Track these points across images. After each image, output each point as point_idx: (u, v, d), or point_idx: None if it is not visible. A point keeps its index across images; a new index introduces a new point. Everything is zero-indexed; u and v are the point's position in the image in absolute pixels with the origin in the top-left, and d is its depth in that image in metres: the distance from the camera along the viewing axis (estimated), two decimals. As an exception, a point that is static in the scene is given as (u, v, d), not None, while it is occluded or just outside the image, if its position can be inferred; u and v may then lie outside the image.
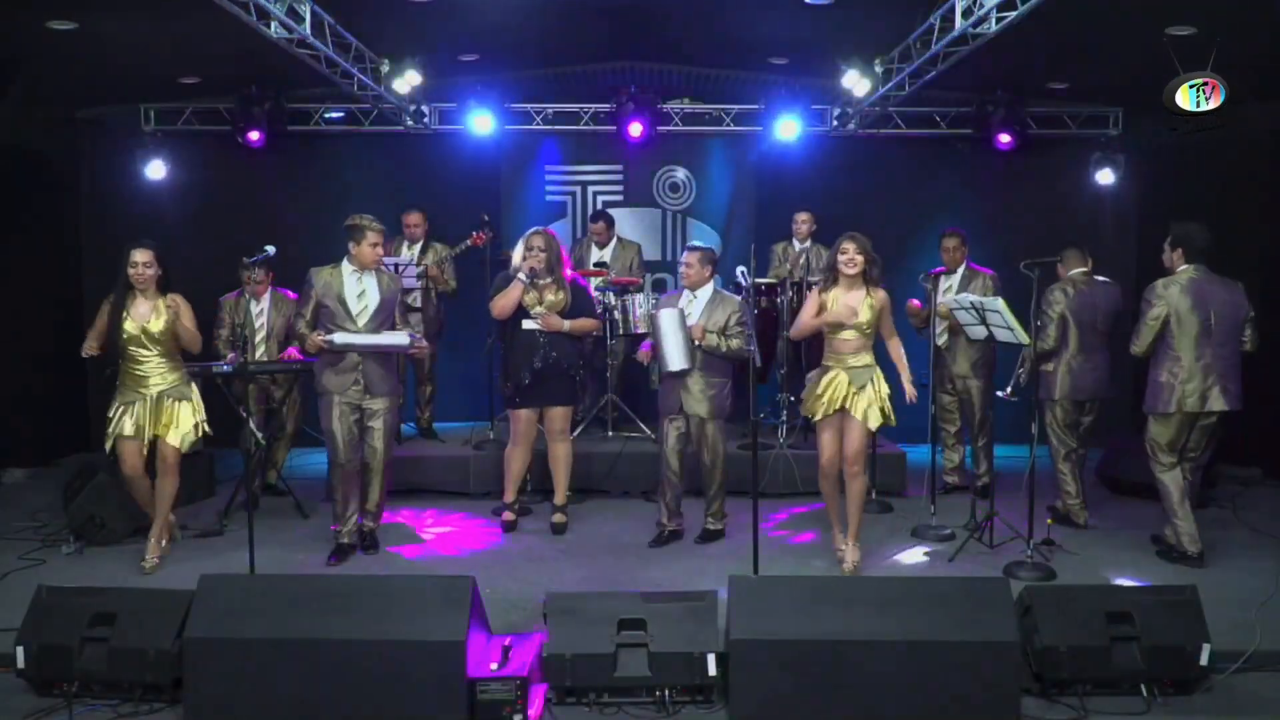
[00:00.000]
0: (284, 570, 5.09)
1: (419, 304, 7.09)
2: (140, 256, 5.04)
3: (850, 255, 4.94)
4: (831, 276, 5.03)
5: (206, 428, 5.30)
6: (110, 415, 5.17)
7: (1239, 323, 5.16)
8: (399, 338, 5.28)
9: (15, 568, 5.19)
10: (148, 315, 5.09)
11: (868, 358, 5.00)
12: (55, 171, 8.11)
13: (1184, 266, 5.17)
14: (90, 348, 5.14)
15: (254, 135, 7.74)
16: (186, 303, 5.21)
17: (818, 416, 5.05)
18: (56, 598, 3.99)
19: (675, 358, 5.29)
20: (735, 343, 5.31)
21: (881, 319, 5.00)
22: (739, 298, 5.47)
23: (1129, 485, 6.56)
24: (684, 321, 5.33)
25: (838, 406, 4.96)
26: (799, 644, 3.68)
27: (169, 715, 3.77)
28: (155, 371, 5.14)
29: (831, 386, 4.98)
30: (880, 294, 5.00)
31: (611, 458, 6.72)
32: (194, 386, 5.30)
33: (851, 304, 4.96)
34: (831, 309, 4.98)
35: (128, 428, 5.11)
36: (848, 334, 4.97)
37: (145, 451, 5.20)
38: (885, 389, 4.98)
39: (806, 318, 5.09)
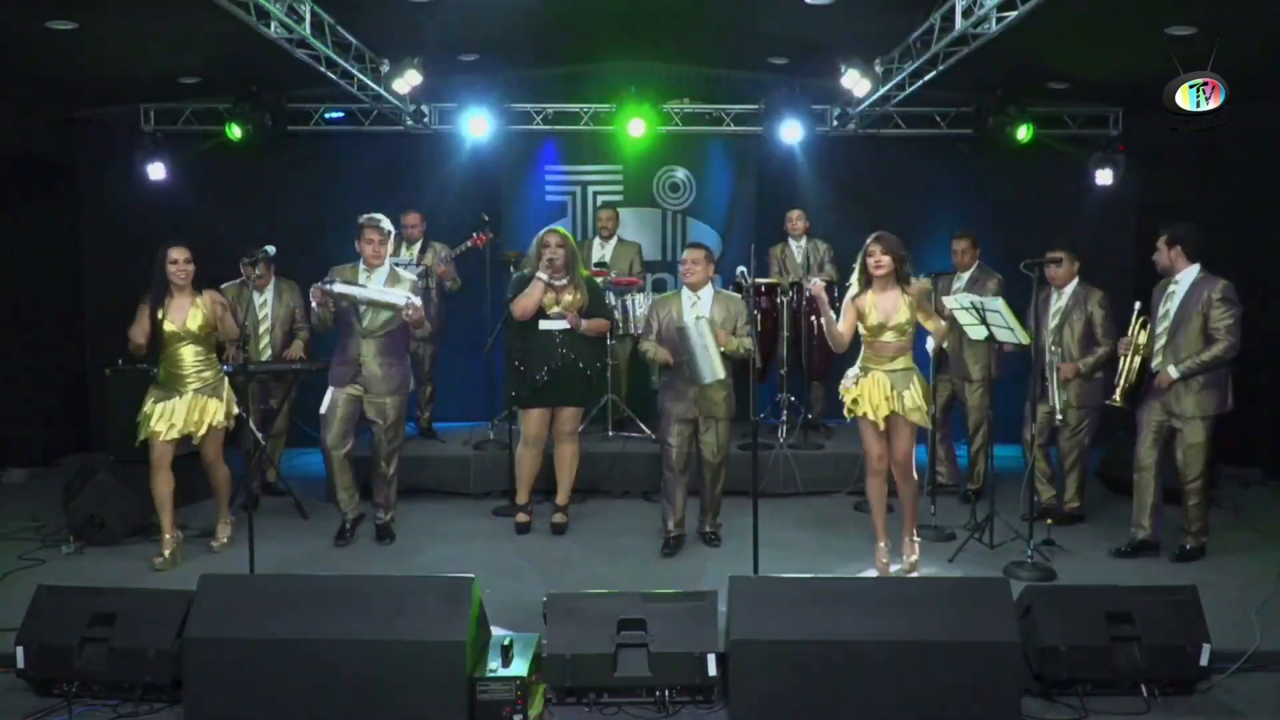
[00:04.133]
0: (284, 570, 5.09)
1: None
2: (179, 254, 5.18)
3: (877, 258, 4.88)
4: (865, 280, 4.97)
5: (231, 420, 5.41)
6: (146, 410, 5.23)
7: None
8: (396, 295, 5.35)
9: (15, 568, 5.19)
10: (186, 313, 5.19)
11: (908, 360, 4.95)
12: (55, 172, 8.11)
13: (1193, 266, 5.17)
14: (137, 346, 5.19)
15: (235, 131, 7.63)
16: (222, 298, 5.38)
17: (860, 412, 4.95)
18: (56, 598, 3.99)
19: (710, 369, 5.13)
20: (748, 342, 5.27)
21: (921, 310, 4.92)
22: (738, 296, 5.46)
23: (1129, 485, 6.56)
24: (713, 330, 5.21)
25: (885, 410, 4.89)
26: (799, 644, 3.68)
27: (169, 715, 3.77)
28: (193, 369, 5.25)
29: (873, 388, 4.91)
30: (915, 287, 4.93)
31: (611, 458, 6.72)
32: (226, 381, 5.41)
33: (887, 306, 4.90)
34: (870, 314, 4.91)
35: (163, 427, 5.19)
36: (888, 336, 4.91)
37: (176, 447, 5.31)
38: (925, 389, 4.97)
39: (845, 327, 4.98)
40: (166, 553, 5.24)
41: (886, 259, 4.88)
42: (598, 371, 5.87)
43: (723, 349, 5.22)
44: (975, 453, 6.56)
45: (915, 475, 5.08)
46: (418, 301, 5.40)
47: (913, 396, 4.90)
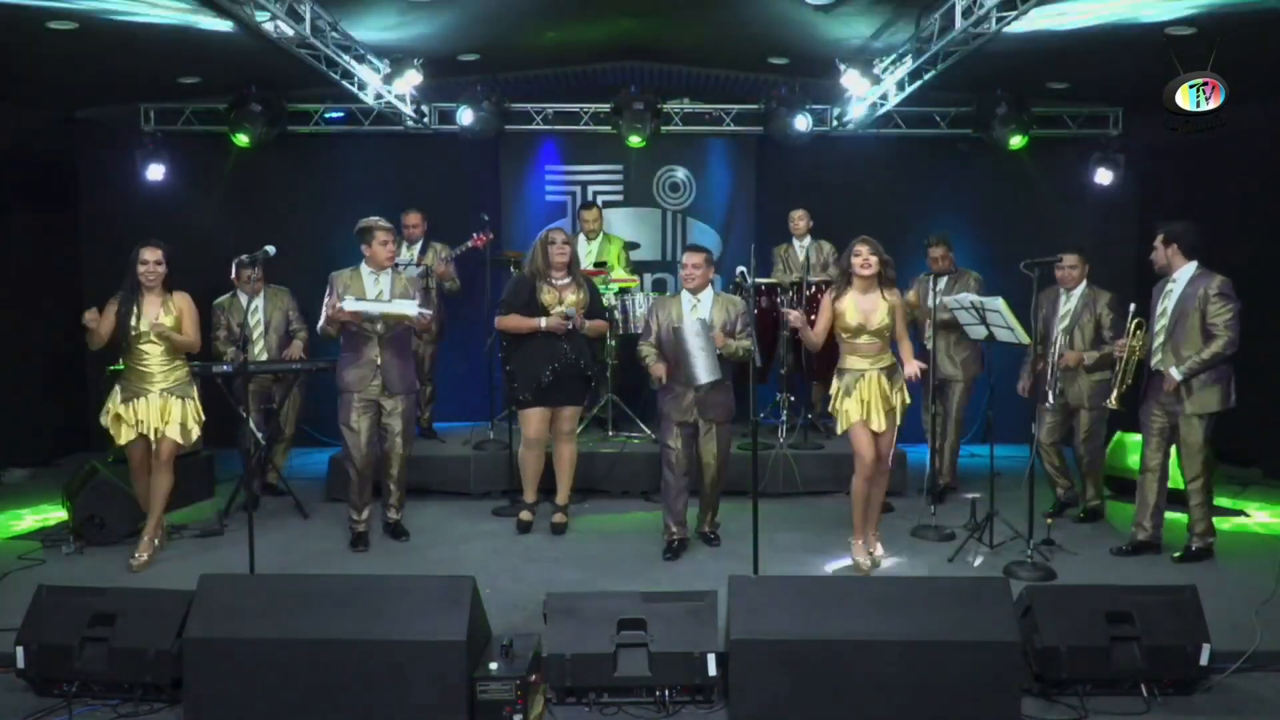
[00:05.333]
0: (284, 570, 5.09)
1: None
2: (150, 255, 5.15)
3: (864, 258, 4.94)
4: (845, 280, 5.03)
5: (198, 430, 5.35)
6: (109, 405, 5.21)
7: None
8: (408, 306, 5.35)
9: (15, 568, 5.19)
10: (156, 313, 5.17)
11: (889, 358, 5.03)
12: (55, 171, 8.11)
13: (1190, 263, 5.17)
14: (99, 342, 5.13)
15: (243, 138, 7.68)
16: (192, 305, 5.31)
17: (855, 419, 4.99)
18: (56, 598, 3.99)
19: (705, 370, 5.13)
20: (747, 343, 5.26)
21: (896, 320, 5.00)
22: (739, 298, 5.46)
23: (1129, 485, 6.56)
24: (708, 331, 5.22)
25: (884, 407, 4.97)
26: (799, 644, 3.68)
27: (169, 715, 3.77)
28: (160, 369, 5.21)
29: (870, 390, 4.97)
30: (895, 295, 5.02)
31: (611, 458, 6.72)
32: (195, 386, 5.37)
33: (867, 308, 4.97)
34: (849, 314, 4.97)
35: (130, 427, 5.18)
36: (865, 338, 4.97)
37: (152, 448, 5.28)
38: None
39: (821, 326, 5.10)
40: (145, 555, 5.23)
41: (875, 259, 4.94)
42: (598, 372, 5.88)
43: (720, 351, 5.22)
44: (946, 449, 6.58)
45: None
46: (428, 311, 5.43)
47: (903, 395, 5.03)
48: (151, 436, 5.22)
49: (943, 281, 6.48)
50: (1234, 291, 5.08)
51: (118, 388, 5.25)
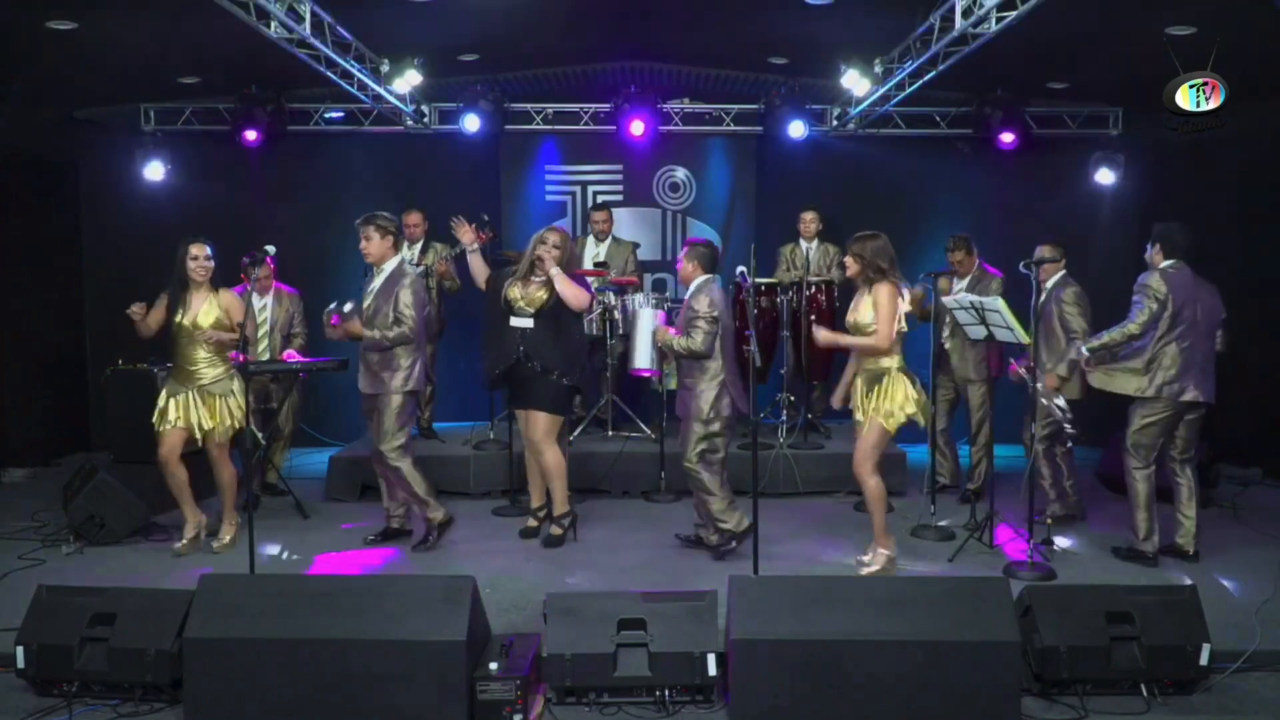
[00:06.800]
0: (284, 570, 5.10)
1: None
2: (199, 250, 5.26)
3: (848, 259, 4.99)
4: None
5: (240, 420, 5.43)
6: (161, 405, 5.33)
7: (1216, 322, 5.22)
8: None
9: (15, 568, 5.19)
10: (200, 309, 5.26)
11: (882, 361, 4.87)
12: (55, 172, 8.11)
13: (1166, 262, 5.19)
14: (145, 333, 5.30)
15: (251, 135, 7.75)
16: (237, 299, 5.42)
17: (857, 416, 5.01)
18: (56, 598, 3.99)
19: (638, 356, 5.35)
20: (683, 341, 5.12)
21: (881, 316, 4.85)
22: (716, 293, 5.35)
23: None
24: (651, 324, 5.33)
25: (860, 412, 4.94)
26: (799, 644, 3.68)
27: (169, 715, 3.77)
28: (203, 364, 5.30)
29: (855, 390, 5.00)
30: (882, 291, 4.83)
31: (611, 458, 6.72)
32: (237, 380, 5.42)
33: (858, 305, 4.98)
34: (851, 314, 5.01)
35: (173, 417, 5.28)
36: (859, 338, 4.94)
37: (186, 440, 5.37)
38: (901, 391, 4.83)
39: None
40: (187, 538, 5.39)
41: (848, 259, 4.96)
42: (556, 377, 5.51)
43: (659, 343, 5.23)
44: (977, 453, 6.53)
45: (874, 480, 4.94)
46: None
47: (876, 401, 4.85)
48: (193, 433, 5.31)
49: (964, 283, 6.43)
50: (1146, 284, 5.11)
51: (166, 385, 5.38)
